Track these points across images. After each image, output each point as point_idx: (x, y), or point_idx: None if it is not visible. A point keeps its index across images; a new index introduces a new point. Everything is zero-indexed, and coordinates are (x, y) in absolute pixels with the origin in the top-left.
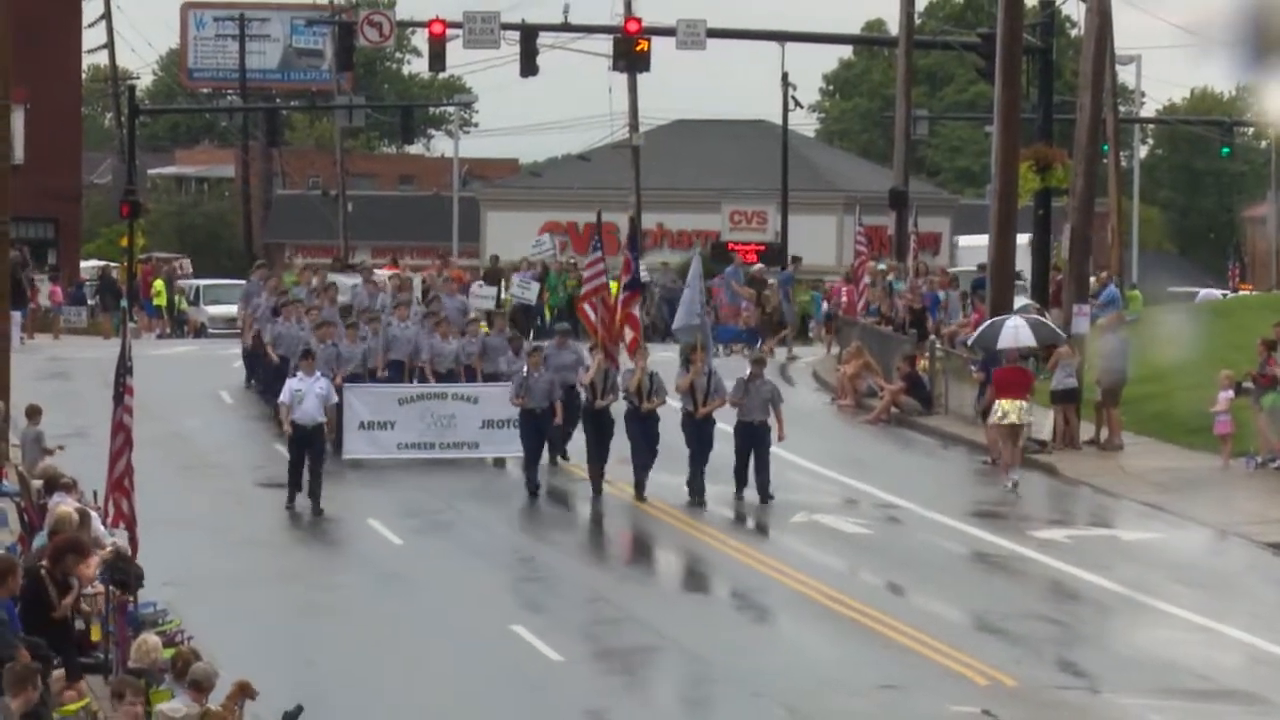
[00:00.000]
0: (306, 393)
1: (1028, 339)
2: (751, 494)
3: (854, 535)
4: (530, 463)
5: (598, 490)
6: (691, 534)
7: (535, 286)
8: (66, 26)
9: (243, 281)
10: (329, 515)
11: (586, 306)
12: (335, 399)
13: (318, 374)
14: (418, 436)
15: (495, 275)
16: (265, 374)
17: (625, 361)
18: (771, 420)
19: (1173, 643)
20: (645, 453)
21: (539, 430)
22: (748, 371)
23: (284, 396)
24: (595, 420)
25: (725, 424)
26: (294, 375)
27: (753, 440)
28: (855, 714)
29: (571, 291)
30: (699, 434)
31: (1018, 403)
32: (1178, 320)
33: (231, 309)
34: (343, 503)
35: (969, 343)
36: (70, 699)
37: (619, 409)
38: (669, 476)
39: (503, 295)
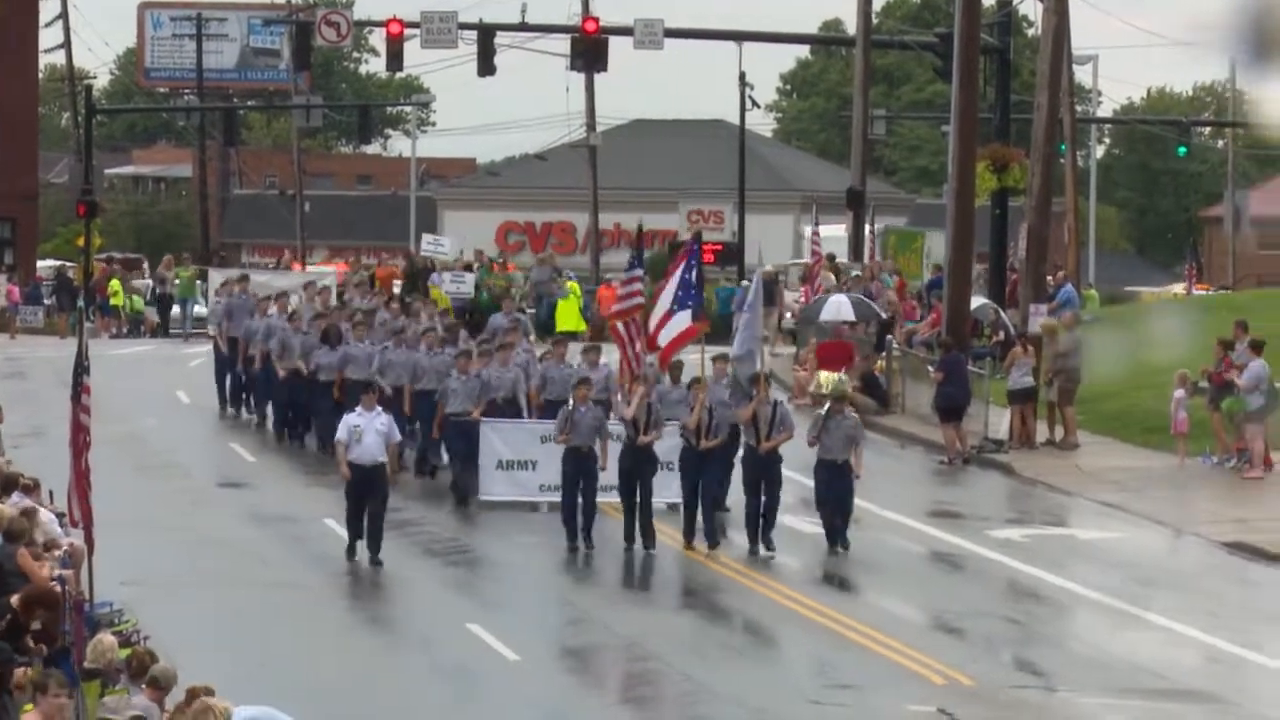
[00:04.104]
0: (366, 429)
1: (848, 313)
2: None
3: (811, 535)
4: (570, 512)
5: (630, 539)
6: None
7: (469, 278)
8: (23, 26)
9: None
10: (285, 514)
11: (620, 326)
12: (398, 436)
13: (378, 409)
14: (560, 477)
15: (415, 276)
16: (319, 409)
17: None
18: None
19: (1130, 642)
20: (705, 495)
21: (586, 472)
22: (827, 406)
23: (341, 434)
24: (635, 459)
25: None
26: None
27: (833, 481)
28: (812, 713)
29: (499, 293)
30: (764, 471)
31: (835, 374)
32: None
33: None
34: (299, 502)
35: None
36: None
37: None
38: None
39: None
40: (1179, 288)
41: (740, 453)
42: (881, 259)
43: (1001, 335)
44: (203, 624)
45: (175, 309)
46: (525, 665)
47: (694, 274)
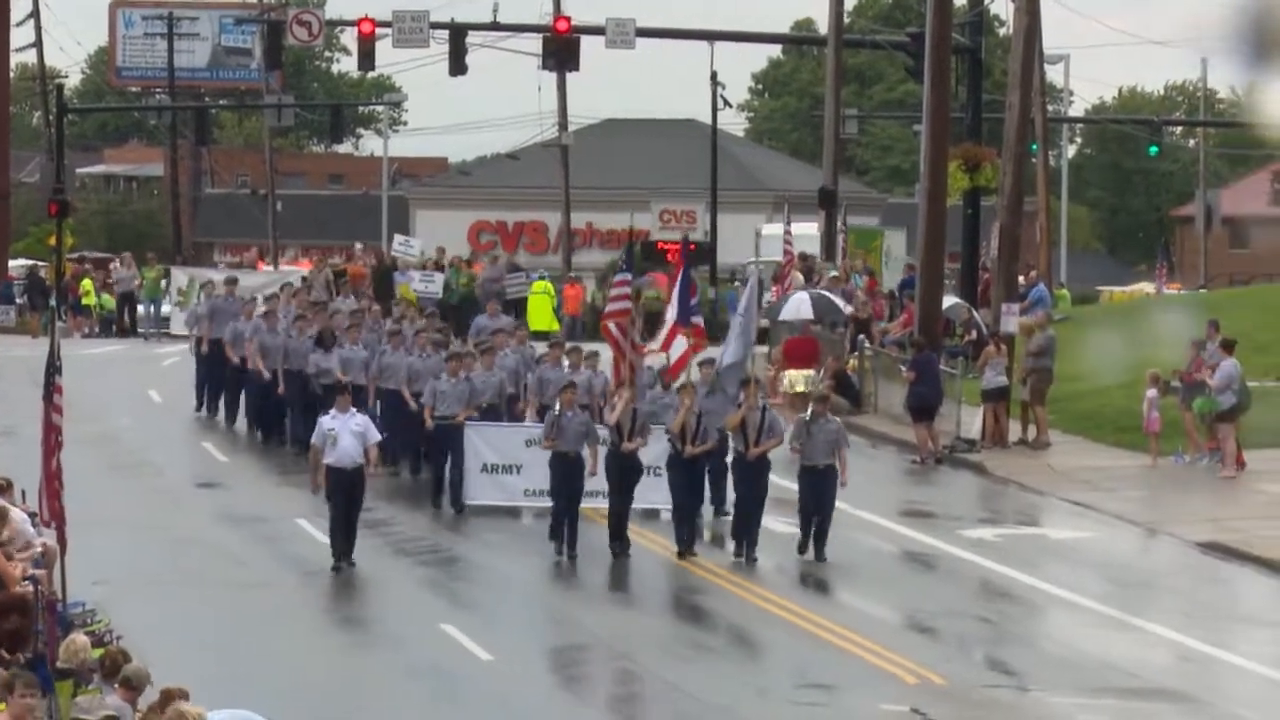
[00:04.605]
0: (341, 431)
1: (807, 312)
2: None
3: (784, 534)
4: (560, 520)
5: (616, 539)
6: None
7: (439, 278)
8: None
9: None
10: (258, 515)
11: (613, 325)
12: (377, 437)
13: (352, 410)
14: (547, 483)
15: (384, 275)
16: (297, 414)
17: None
18: (837, 463)
19: (1102, 641)
20: (689, 502)
21: (573, 478)
22: (809, 411)
23: (315, 437)
24: (620, 465)
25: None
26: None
27: (817, 487)
28: (787, 713)
29: (464, 290)
30: (751, 478)
31: (805, 372)
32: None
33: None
34: (272, 502)
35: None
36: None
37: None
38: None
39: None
40: (1149, 287)
41: (729, 457)
42: (850, 259)
43: (974, 334)
44: (176, 624)
45: (140, 308)
46: (499, 665)
47: (688, 282)
